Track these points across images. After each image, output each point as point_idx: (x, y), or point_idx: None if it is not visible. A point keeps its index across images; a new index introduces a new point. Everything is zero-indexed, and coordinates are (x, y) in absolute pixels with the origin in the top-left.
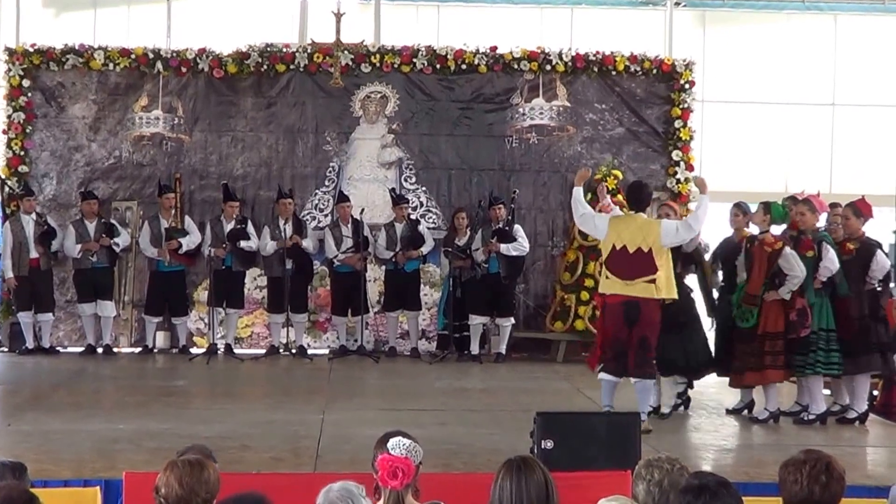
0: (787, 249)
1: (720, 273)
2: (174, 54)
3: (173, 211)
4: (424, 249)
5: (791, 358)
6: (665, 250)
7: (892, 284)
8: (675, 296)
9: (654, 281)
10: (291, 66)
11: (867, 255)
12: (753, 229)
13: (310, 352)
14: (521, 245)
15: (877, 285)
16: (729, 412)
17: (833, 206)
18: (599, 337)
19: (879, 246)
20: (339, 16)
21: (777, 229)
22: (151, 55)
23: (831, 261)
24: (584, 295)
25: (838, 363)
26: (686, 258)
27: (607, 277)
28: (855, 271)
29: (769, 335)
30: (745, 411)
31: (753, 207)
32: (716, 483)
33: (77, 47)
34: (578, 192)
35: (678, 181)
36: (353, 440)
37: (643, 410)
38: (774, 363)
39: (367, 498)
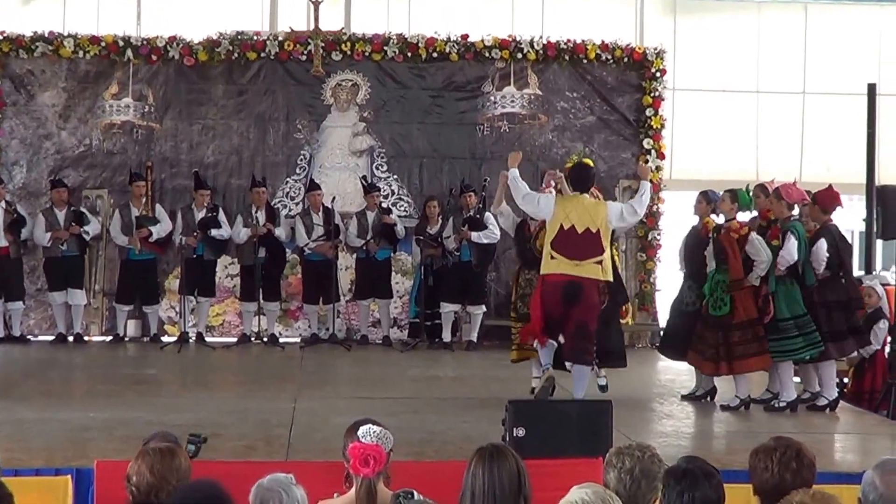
0: (753, 235)
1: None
2: (144, 42)
3: (144, 199)
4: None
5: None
6: (609, 232)
7: (860, 273)
8: (611, 278)
9: (601, 262)
10: (262, 54)
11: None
12: (721, 218)
13: (281, 340)
14: (492, 233)
15: (821, 273)
16: (685, 398)
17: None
18: (535, 314)
19: (833, 235)
20: (317, 3)
21: (745, 216)
22: (121, 43)
23: (788, 251)
24: None
25: (808, 346)
26: None
27: (552, 258)
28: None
29: (745, 323)
30: (707, 398)
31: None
32: (701, 471)
33: (46, 35)
34: (514, 173)
35: (649, 169)
36: (325, 428)
37: (578, 396)
38: (761, 349)
39: (298, 485)
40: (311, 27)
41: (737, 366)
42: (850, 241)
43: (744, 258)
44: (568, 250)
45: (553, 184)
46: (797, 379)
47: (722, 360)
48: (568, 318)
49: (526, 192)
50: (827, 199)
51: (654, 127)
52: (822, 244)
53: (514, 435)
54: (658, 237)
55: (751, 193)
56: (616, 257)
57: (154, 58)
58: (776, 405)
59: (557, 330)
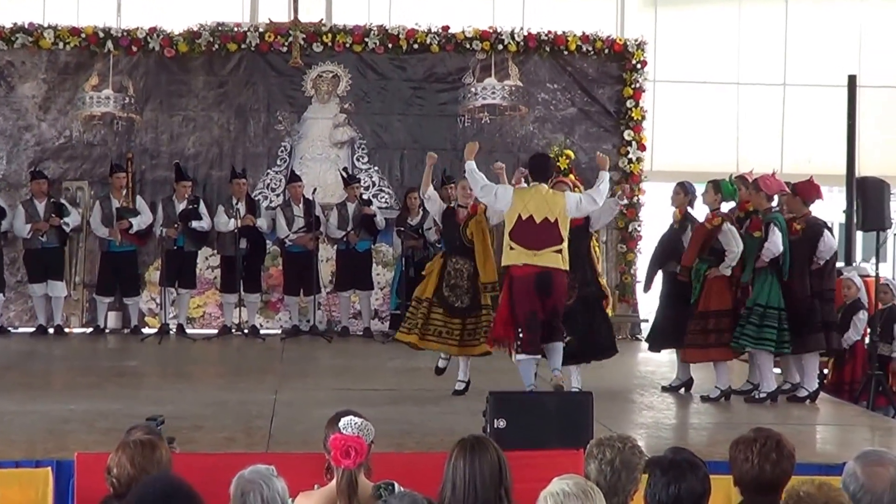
0: (726, 225)
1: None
2: (125, 33)
3: (124, 191)
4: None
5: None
6: (567, 222)
7: (840, 264)
8: (567, 267)
9: (560, 251)
10: (243, 46)
11: (814, 236)
12: (704, 209)
13: (262, 332)
14: None
15: (821, 265)
16: (665, 389)
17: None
18: (506, 313)
19: (826, 226)
20: None
21: (728, 207)
22: (102, 34)
23: (774, 243)
24: None
25: (788, 342)
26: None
27: (512, 248)
28: (801, 252)
29: (713, 313)
30: (683, 389)
31: (701, 187)
32: (688, 463)
33: (26, 26)
34: (471, 165)
35: (630, 161)
36: (306, 420)
37: (556, 367)
38: (720, 340)
39: (279, 477)
40: (292, 18)
41: (691, 354)
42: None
43: (716, 250)
44: (526, 240)
45: (522, 180)
46: (777, 370)
47: (692, 347)
48: (544, 308)
49: (483, 183)
50: (808, 190)
51: (635, 118)
52: (828, 236)
53: (495, 426)
54: (639, 228)
55: (733, 184)
56: (597, 249)
57: (134, 49)
58: (756, 396)
59: (537, 330)
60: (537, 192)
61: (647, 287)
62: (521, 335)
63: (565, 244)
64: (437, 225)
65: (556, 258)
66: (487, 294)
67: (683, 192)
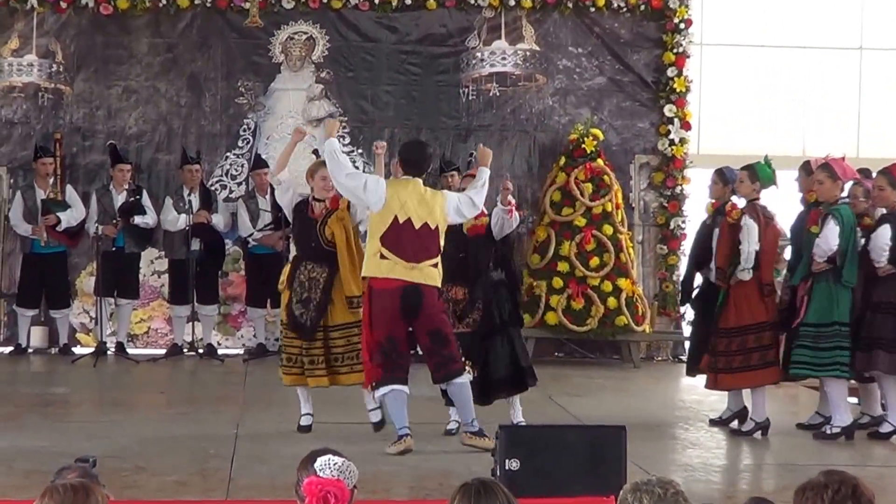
0: (746, 219)
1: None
2: None
3: (51, 179)
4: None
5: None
6: (444, 230)
7: None
8: (439, 284)
9: (436, 265)
10: (196, 2)
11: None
12: (741, 202)
13: (220, 352)
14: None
15: (885, 268)
16: (713, 423)
17: (861, 172)
18: (366, 334)
19: (892, 220)
20: None
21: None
22: None
23: (825, 238)
24: (557, 282)
25: (846, 365)
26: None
27: (383, 257)
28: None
29: (745, 328)
30: (736, 422)
31: None
32: None
33: None
34: (333, 144)
35: (671, 143)
36: (273, 460)
37: (467, 419)
38: (759, 361)
39: None
40: None
41: (722, 381)
42: None
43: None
44: (404, 250)
45: (511, 200)
46: (854, 399)
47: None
48: (415, 331)
49: (349, 170)
50: None
51: (678, 90)
52: (883, 231)
53: (507, 468)
54: (682, 226)
55: (771, 166)
56: (631, 250)
57: (63, 5)
58: (828, 431)
59: (404, 358)
60: (414, 189)
61: (684, 299)
62: (378, 364)
63: (439, 257)
64: (285, 223)
65: (433, 274)
66: (356, 310)
67: (722, 181)
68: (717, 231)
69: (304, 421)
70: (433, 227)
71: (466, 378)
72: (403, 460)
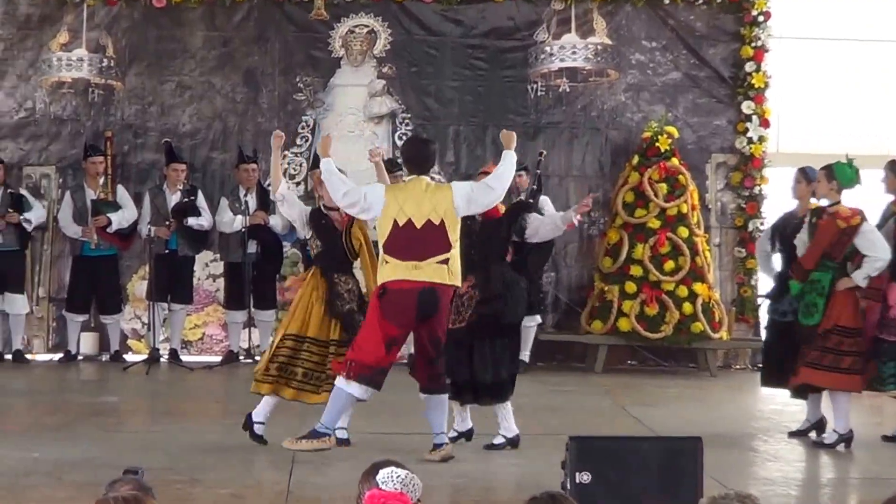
0: (866, 225)
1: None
2: None
3: (102, 178)
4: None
5: (871, 365)
6: (458, 223)
7: None
8: (460, 284)
9: (446, 262)
10: None
11: None
12: (823, 201)
13: None
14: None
15: None
16: (793, 434)
17: None
18: (373, 336)
19: None
20: None
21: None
22: None
23: None
24: (630, 287)
25: None
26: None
27: (387, 262)
28: None
29: (838, 330)
30: (814, 433)
31: None
32: None
33: None
34: (329, 164)
35: (750, 141)
36: (332, 472)
37: (438, 431)
38: (851, 366)
39: None
40: None
41: (803, 374)
42: None
43: (846, 255)
44: (404, 251)
45: (580, 218)
46: None
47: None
48: (419, 335)
49: (345, 188)
50: None
51: (756, 86)
52: None
53: (578, 481)
54: (761, 227)
55: (853, 165)
56: (707, 254)
57: None
58: None
59: (389, 364)
60: (415, 187)
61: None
62: (375, 360)
63: (454, 251)
64: (298, 238)
65: (442, 271)
66: None
67: (805, 181)
68: (805, 227)
69: (259, 430)
70: (437, 222)
71: (446, 395)
72: (468, 472)
